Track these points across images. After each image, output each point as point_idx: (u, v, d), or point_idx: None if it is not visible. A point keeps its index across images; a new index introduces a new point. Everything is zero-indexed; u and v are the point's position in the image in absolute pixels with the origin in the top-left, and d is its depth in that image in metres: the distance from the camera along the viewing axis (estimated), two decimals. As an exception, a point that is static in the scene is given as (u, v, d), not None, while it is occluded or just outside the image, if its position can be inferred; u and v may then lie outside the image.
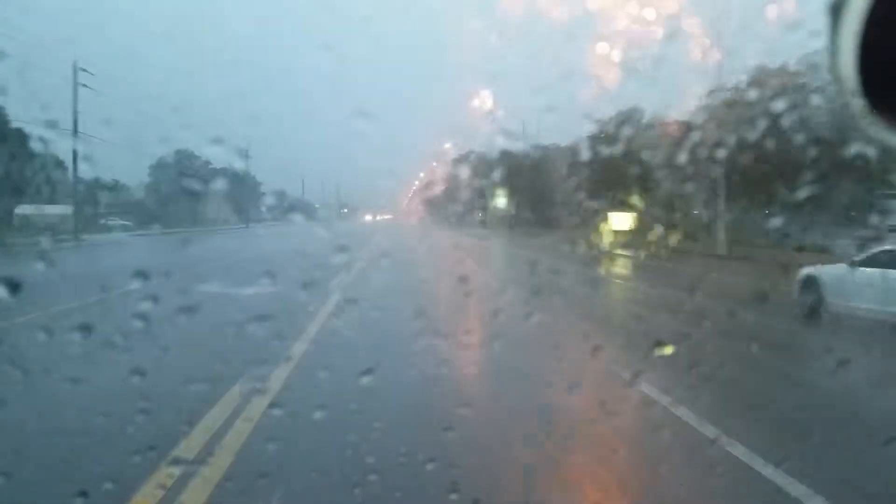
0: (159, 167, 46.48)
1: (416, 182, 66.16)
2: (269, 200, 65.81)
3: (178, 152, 44.99)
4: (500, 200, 48.10)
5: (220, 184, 48.84)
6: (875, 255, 7.08)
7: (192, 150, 42.02)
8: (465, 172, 46.11)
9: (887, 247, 7.00)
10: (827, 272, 7.59)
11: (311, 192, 79.59)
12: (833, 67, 0.64)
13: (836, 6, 0.64)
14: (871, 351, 5.01)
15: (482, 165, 46.01)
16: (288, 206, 69.73)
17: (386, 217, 60.50)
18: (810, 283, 7.67)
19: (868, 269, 6.88)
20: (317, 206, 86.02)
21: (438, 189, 48.49)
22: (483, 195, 47.58)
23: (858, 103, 0.63)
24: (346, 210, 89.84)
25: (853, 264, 7.23)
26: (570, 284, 9.59)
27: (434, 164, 55.26)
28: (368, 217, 62.25)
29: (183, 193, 42.83)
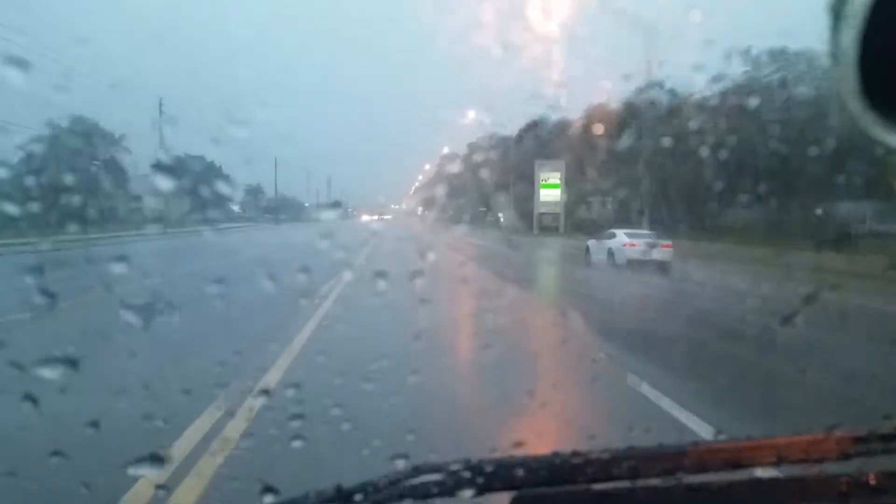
0: (41, 143, 37.36)
1: (420, 176, 66.44)
2: (239, 197, 67.23)
3: (74, 121, 37.08)
4: (551, 192, 45.87)
5: (141, 172, 40.56)
6: (605, 232, 19.16)
7: (96, 120, 36.62)
8: (482, 161, 44.40)
9: (610, 230, 19.24)
10: (591, 242, 19.46)
11: (303, 190, 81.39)
12: (834, 67, 0.85)
13: (837, 5, 0.85)
14: (600, 273, 17.02)
15: (507, 148, 44.72)
16: (267, 205, 71.37)
17: (386, 217, 62.46)
18: (587, 248, 19.68)
19: (601, 240, 18.64)
20: (306, 204, 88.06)
21: (447, 183, 47.61)
22: (509, 188, 45.14)
23: (859, 103, 0.83)
24: (340, 210, 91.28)
25: (598, 237, 19.13)
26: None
27: (445, 150, 54.45)
28: (365, 217, 64.73)
29: (74, 183, 32.49)
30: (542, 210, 43.25)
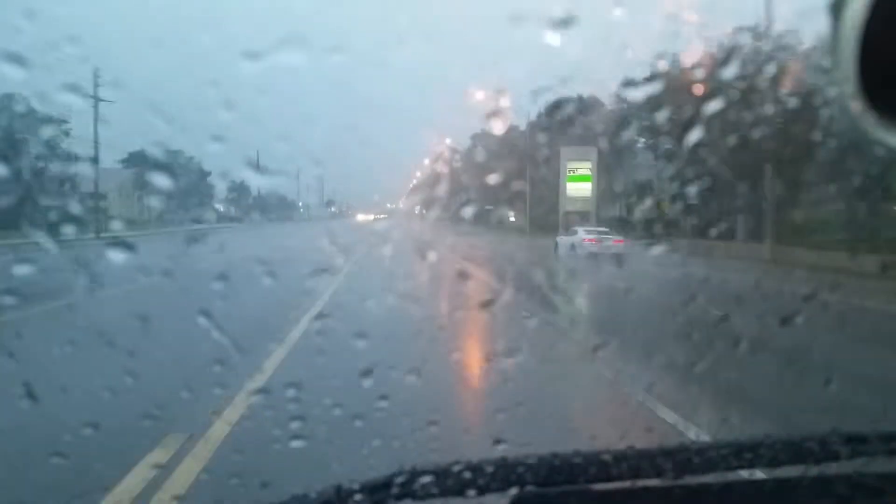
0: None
1: (418, 172, 66.91)
2: (222, 195, 67.79)
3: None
4: (580, 186, 43.60)
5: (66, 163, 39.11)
6: (570, 230, 27.73)
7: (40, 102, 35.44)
8: (489, 154, 42.80)
9: (574, 228, 27.78)
10: (559, 238, 27.08)
11: (294, 188, 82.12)
12: (834, 67, 0.96)
13: (837, 5, 0.96)
14: (567, 261, 22.84)
15: (517, 137, 43.43)
16: (253, 204, 71.99)
17: (382, 217, 63.70)
18: (555, 243, 26.59)
19: (566, 236, 26.34)
20: (299, 203, 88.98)
21: (449, 180, 47.18)
22: (519, 182, 43.29)
23: (859, 104, 0.94)
24: (334, 209, 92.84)
25: (565, 234, 27.29)
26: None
27: (448, 140, 54.01)
28: (361, 217, 66.13)
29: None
30: (569, 208, 39.77)
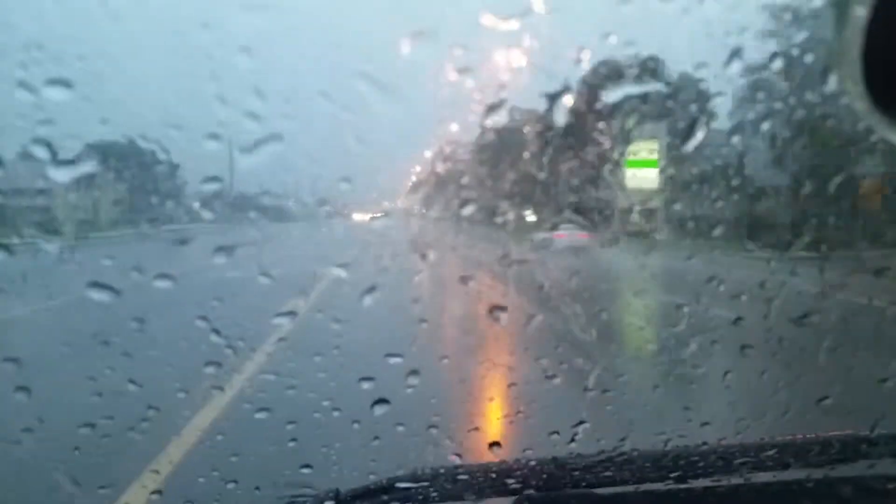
0: None
1: (418, 167, 66.73)
2: (193, 191, 68.32)
3: None
4: (644, 174, 38.93)
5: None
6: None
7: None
8: (501, 141, 41.62)
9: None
10: (534, 235, 31.28)
11: (282, 186, 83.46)
12: (838, 67, 1.15)
13: (841, 4, 1.15)
14: (544, 251, 27.27)
15: (540, 119, 41.36)
16: (235, 203, 72.76)
17: (378, 216, 64.67)
18: (531, 239, 30.90)
19: (539, 234, 33.24)
20: (289, 202, 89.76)
21: (454, 174, 46.22)
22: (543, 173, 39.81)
23: (863, 103, 1.12)
24: (328, 208, 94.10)
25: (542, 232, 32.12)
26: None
27: (455, 127, 53.11)
28: (357, 216, 67.27)
29: None
30: (631, 201, 36.06)
